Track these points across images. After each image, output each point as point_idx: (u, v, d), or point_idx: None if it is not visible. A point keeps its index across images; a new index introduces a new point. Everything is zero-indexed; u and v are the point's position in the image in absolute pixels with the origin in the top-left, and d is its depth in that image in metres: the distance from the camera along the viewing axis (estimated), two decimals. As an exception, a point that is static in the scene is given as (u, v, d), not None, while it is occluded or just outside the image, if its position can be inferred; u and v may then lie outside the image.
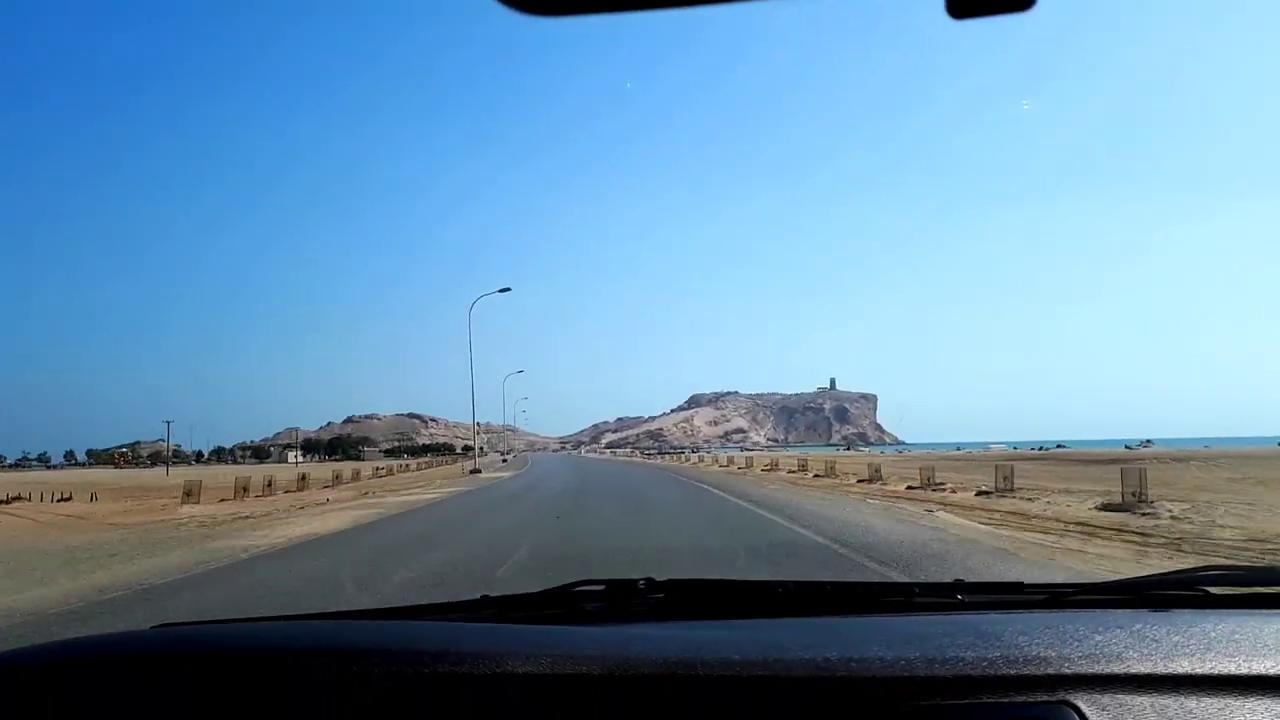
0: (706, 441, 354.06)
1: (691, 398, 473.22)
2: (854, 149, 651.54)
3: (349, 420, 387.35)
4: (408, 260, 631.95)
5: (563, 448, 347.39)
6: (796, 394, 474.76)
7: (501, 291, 44.01)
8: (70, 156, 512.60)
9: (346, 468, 47.99)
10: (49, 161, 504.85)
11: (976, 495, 17.37)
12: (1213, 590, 1.45)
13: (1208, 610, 1.34)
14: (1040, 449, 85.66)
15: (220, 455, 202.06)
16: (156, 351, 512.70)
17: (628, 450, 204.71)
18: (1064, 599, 1.47)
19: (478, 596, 1.46)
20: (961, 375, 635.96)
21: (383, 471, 47.03)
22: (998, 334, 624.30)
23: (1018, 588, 1.52)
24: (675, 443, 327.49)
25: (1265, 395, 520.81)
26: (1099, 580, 1.81)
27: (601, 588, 1.46)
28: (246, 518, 16.87)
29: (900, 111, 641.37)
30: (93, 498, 29.95)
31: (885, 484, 22.82)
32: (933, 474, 21.17)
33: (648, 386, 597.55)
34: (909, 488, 20.68)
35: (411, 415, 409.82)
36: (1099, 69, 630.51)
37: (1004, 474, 17.85)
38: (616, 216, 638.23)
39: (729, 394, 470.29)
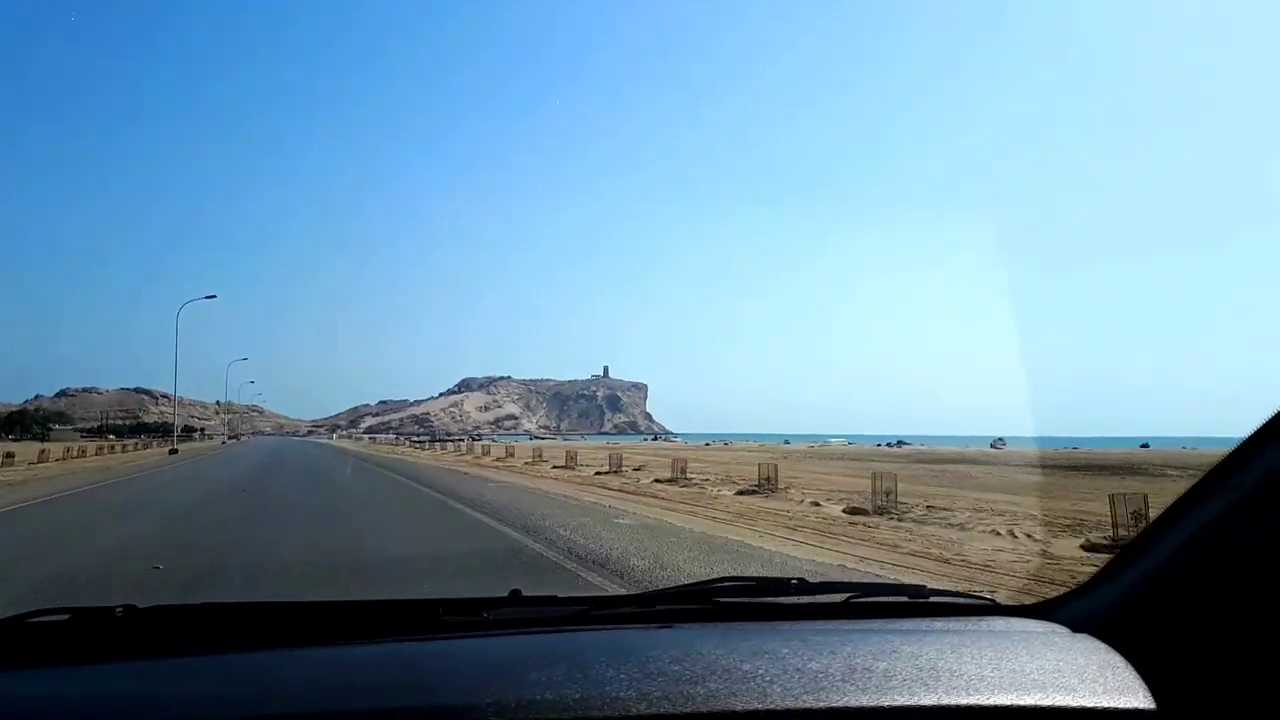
0: (476, 428, 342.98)
1: (462, 381, 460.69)
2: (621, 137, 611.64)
3: (62, 393, 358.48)
4: (145, 212, 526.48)
5: (312, 432, 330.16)
6: (570, 381, 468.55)
7: (208, 298, 43.99)
8: None
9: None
10: None
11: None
12: (723, 600, 1.40)
13: (689, 626, 1.28)
14: (885, 445, 78.90)
15: None
16: None
17: (392, 437, 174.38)
18: (588, 615, 1.38)
19: None
20: (728, 368, 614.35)
21: None
22: (769, 329, 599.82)
23: (551, 601, 1.41)
24: (444, 428, 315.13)
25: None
26: (626, 594, 1.61)
27: (66, 617, 1.20)
28: None
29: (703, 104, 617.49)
30: None
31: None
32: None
33: (417, 369, 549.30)
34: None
35: (140, 390, 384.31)
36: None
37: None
38: (391, 188, 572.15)
39: (501, 378, 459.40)
